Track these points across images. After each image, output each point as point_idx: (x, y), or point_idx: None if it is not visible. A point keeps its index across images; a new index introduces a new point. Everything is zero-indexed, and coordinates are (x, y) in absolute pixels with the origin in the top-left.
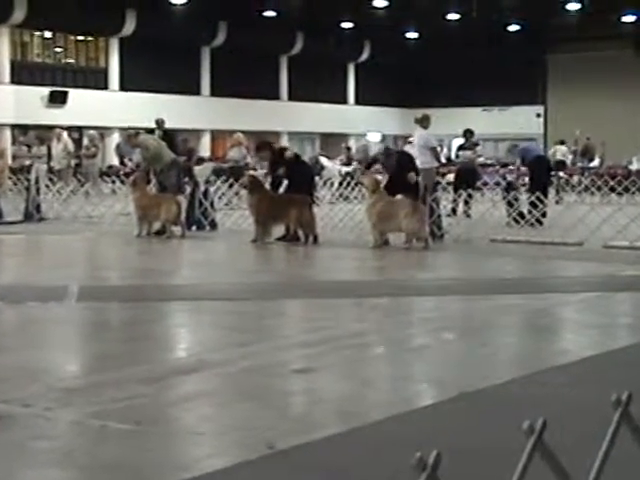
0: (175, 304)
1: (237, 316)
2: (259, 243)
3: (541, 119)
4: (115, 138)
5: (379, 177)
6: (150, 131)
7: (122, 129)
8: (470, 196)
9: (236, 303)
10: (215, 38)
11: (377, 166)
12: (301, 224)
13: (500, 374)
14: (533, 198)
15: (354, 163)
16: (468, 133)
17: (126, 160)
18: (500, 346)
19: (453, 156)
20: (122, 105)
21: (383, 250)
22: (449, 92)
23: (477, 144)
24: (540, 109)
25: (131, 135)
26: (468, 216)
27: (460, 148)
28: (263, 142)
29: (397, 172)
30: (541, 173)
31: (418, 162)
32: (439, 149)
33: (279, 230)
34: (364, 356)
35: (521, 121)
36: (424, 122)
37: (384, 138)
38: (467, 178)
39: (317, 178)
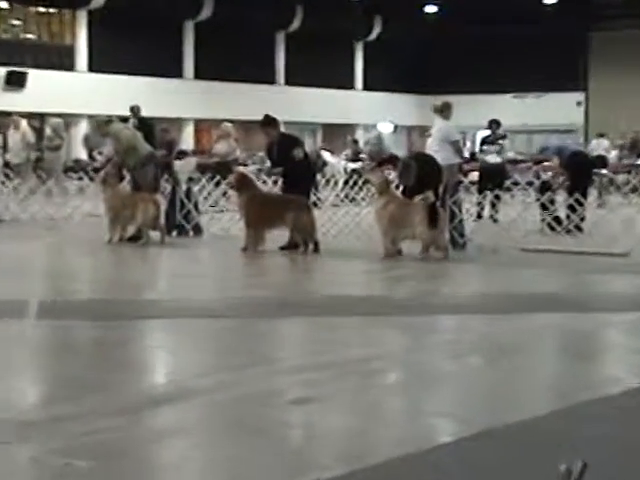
0: (153, 322)
1: (225, 337)
2: (250, 251)
3: (582, 108)
4: (83, 127)
5: (391, 174)
6: (124, 120)
7: (91, 117)
8: (497, 198)
9: (224, 321)
10: (200, 11)
11: (390, 165)
12: (298, 229)
13: (533, 407)
14: (571, 200)
15: (364, 158)
16: (494, 124)
17: (95, 153)
18: (533, 374)
19: (477, 151)
20: (91, 89)
21: (396, 261)
22: (474, 76)
23: (504, 137)
24: (581, 96)
25: (101, 123)
26: (495, 221)
27: (484, 142)
28: (272, 117)
29: (416, 184)
30: (580, 171)
31: (438, 158)
32: (462, 143)
33: (282, 238)
34: (373, 384)
35: (559, 110)
36: (445, 111)
37: (396, 129)
38: (493, 177)
39: (319, 176)
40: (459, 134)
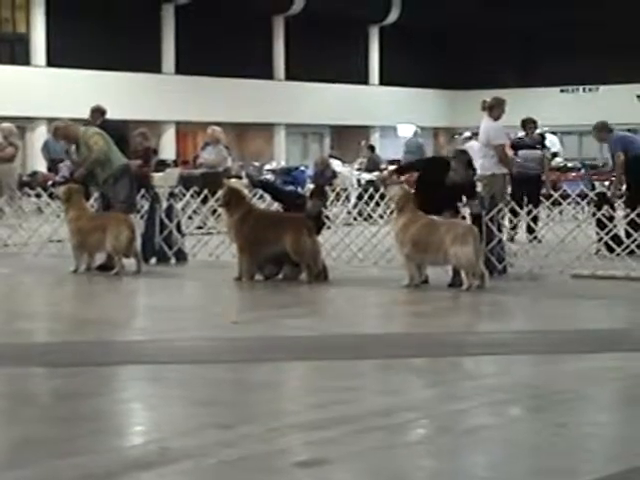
0: (127, 369)
1: (215, 386)
2: (245, 281)
3: None
4: (41, 133)
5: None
6: (86, 123)
7: (51, 120)
8: (534, 215)
9: (213, 367)
10: None
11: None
12: (300, 254)
13: (586, 468)
14: (633, 215)
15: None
16: (530, 124)
17: (62, 165)
18: (588, 428)
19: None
20: (50, 87)
21: (421, 291)
22: (512, 66)
23: (543, 138)
24: None
25: (68, 127)
26: (538, 241)
27: (519, 146)
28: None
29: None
30: None
31: (477, 165)
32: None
33: None
34: (397, 442)
35: (616, 106)
36: (494, 110)
37: (416, 133)
38: (524, 188)
39: (327, 189)
40: (506, 137)
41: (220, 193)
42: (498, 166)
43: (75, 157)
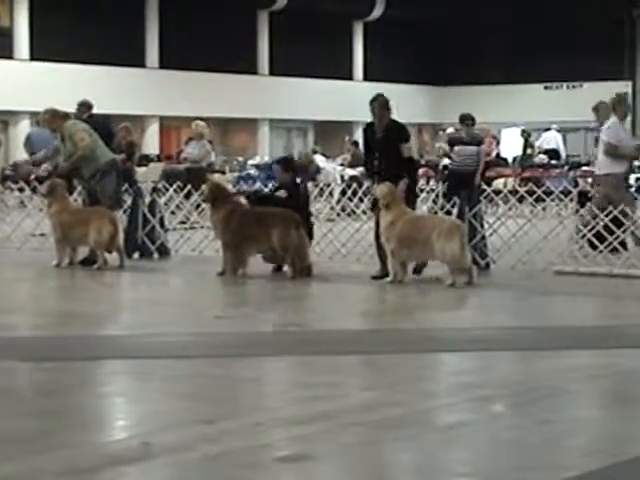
0: (110, 364)
1: (198, 381)
2: (229, 277)
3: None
4: (24, 127)
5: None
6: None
7: (33, 114)
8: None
9: (196, 362)
10: None
11: None
12: (286, 249)
13: (568, 464)
14: (616, 212)
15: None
16: (467, 120)
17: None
18: (569, 424)
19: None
20: (33, 81)
21: (404, 287)
22: (498, 63)
23: (480, 142)
24: (626, 86)
25: (54, 116)
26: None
27: (454, 142)
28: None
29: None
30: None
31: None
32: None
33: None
34: (379, 438)
35: None
36: (618, 109)
37: None
38: (460, 184)
39: (311, 185)
40: (625, 135)
41: (204, 189)
42: (612, 166)
43: (55, 143)
